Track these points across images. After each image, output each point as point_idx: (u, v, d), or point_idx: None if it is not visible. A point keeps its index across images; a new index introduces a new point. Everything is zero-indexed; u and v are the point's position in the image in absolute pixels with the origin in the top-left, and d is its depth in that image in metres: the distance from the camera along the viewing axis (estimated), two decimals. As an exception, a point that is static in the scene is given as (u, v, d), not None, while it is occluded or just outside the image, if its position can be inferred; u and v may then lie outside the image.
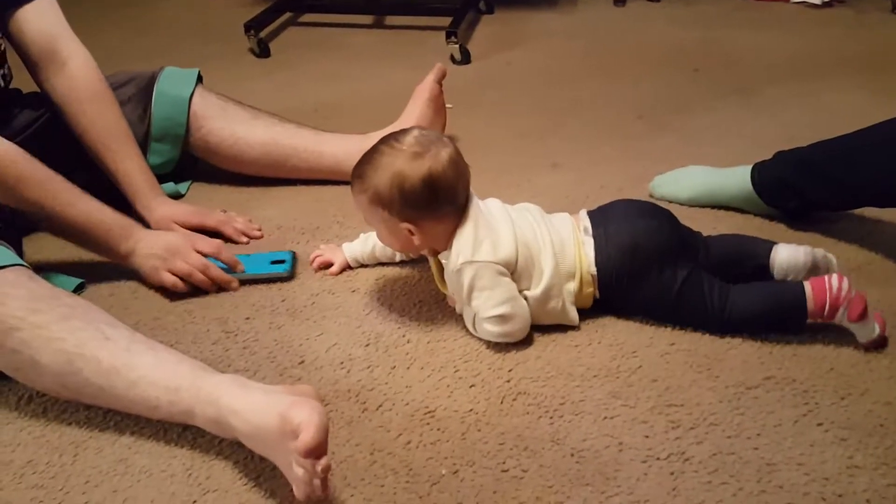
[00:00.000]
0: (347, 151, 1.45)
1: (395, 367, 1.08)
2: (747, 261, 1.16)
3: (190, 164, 1.55)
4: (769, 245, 1.17)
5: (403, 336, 1.14)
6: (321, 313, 1.19)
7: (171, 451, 0.97)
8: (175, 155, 1.51)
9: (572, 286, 1.12)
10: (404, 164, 1.07)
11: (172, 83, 1.50)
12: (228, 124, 1.50)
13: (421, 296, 1.22)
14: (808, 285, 1.07)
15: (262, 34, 2.30)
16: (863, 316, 1.05)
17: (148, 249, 1.23)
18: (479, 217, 1.10)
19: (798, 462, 0.92)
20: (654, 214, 1.15)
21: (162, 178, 1.47)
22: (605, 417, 0.99)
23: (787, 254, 1.15)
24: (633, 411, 1.00)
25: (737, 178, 1.35)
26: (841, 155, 1.22)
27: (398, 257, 1.28)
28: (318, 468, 0.81)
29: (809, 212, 1.32)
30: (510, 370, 1.07)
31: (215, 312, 1.21)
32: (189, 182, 1.57)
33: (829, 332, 1.11)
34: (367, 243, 1.28)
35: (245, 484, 0.92)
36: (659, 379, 1.05)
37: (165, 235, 1.28)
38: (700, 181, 1.41)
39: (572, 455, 0.94)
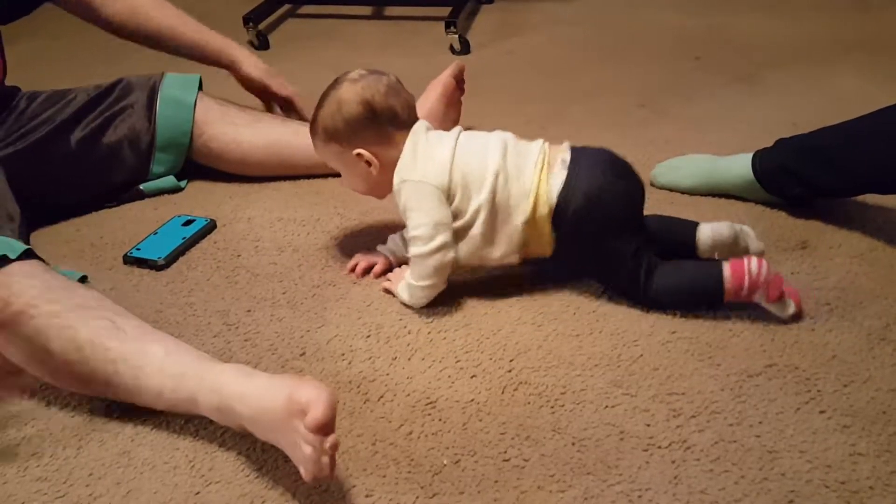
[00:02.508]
0: None
1: (396, 357, 1.08)
2: (671, 240, 1.19)
3: (190, 165, 1.55)
4: (693, 225, 1.19)
5: (404, 327, 1.14)
6: (322, 305, 1.19)
7: (173, 443, 0.97)
8: (178, 163, 1.51)
9: (525, 205, 1.10)
10: (342, 92, 1.14)
11: (175, 91, 1.50)
12: (231, 129, 1.49)
13: (422, 286, 1.22)
14: (726, 267, 1.09)
15: (261, 26, 2.29)
16: (780, 298, 1.08)
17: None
18: (419, 139, 1.14)
19: (800, 449, 0.92)
20: (628, 176, 1.15)
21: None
22: (607, 406, 0.99)
23: (711, 230, 1.17)
24: (634, 400, 1.00)
25: (738, 166, 1.35)
26: (843, 141, 1.21)
27: None
28: (327, 445, 0.81)
29: (811, 199, 1.32)
30: (511, 360, 1.07)
31: (216, 305, 1.21)
32: (186, 180, 1.56)
33: (831, 319, 1.11)
34: (396, 238, 1.26)
35: (248, 475, 0.92)
36: (660, 367, 1.04)
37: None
38: (701, 169, 1.41)
39: (573, 444, 0.94)
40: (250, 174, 1.53)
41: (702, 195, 1.40)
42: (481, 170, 1.11)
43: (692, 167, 1.42)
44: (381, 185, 1.17)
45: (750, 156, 1.34)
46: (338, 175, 1.23)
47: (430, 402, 1.01)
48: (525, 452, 0.93)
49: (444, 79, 1.55)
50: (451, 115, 1.57)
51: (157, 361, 0.96)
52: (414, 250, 1.13)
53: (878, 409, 0.97)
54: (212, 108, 1.50)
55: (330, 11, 2.49)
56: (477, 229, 1.12)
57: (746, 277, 1.07)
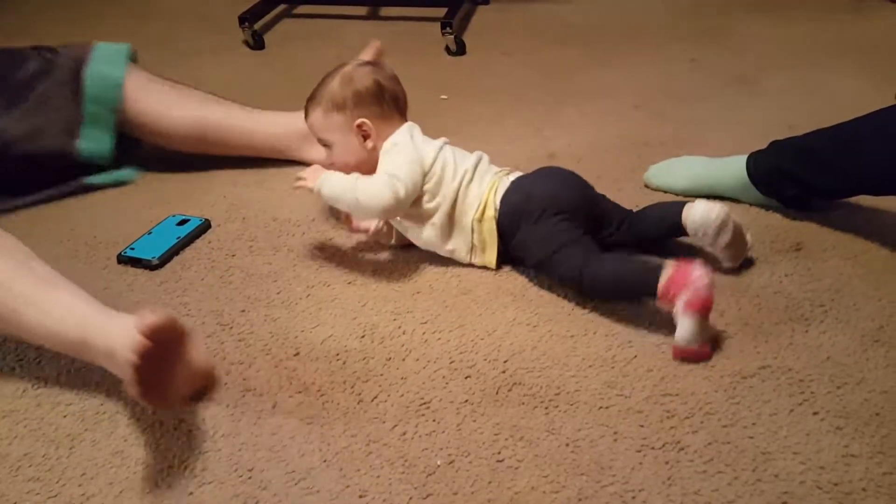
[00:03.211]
0: (278, 131, 1.52)
1: (390, 358, 1.08)
2: (660, 223, 1.22)
3: (131, 147, 1.55)
4: (681, 204, 1.19)
5: (399, 327, 1.14)
6: (316, 305, 1.19)
7: (166, 443, 0.97)
8: (109, 139, 1.49)
9: (476, 205, 1.21)
10: (351, 70, 1.24)
11: (105, 63, 1.49)
12: (158, 102, 1.51)
13: (416, 287, 1.22)
14: (672, 266, 1.05)
15: (257, 26, 2.29)
16: (694, 311, 1.02)
17: None
18: (413, 129, 1.25)
19: (794, 451, 0.92)
20: (565, 180, 1.23)
21: (101, 169, 1.50)
22: (601, 407, 0.99)
23: (702, 210, 1.15)
24: (628, 401, 1.00)
25: (732, 168, 1.35)
26: (837, 143, 1.21)
27: (394, 240, 1.31)
28: (135, 343, 0.84)
29: (805, 200, 1.32)
30: (505, 361, 1.07)
31: (210, 305, 1.20)
32: (136, 169, 1.56)
33: (825, 321, 1.11)
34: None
35: (240, 476, 0.92)
36: (654, 369, 1.04)
37: None
38: (695, 171, 1.41)
39: (567, 445, 0.94)
40: (179, 149, 1.55)
41: (696, 197, 1.40)
42: (454, 168, 1.22)
43: (687, 169, 1.42)
44: (369, 163, 1.23)
45: (744, 157, 1.34)
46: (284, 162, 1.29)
47: (425, 403, 1.01)
48: (519, 453, 0.93)
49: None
50: None
51: (61, 307, 0.97)
52: (380, 187, 1.17)
53: (871, 410, 0.97)
54: (141, 81, 1.51)
55: (325, 12, 2.49)
56: (437, 219, 1.22)
57: (687, 277, 1.02)
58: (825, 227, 1.30)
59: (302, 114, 1.48)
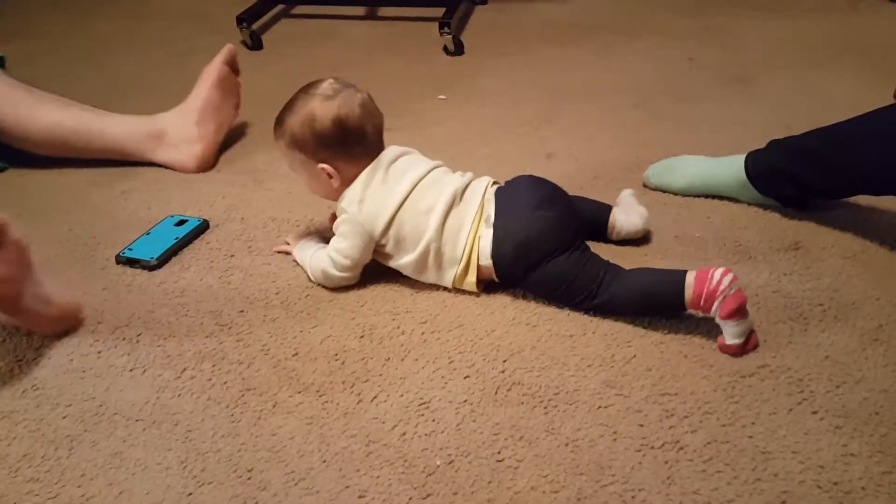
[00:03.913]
0: (127, 133, 1.56)
1: (389, 358, 1.08)
2: (588, 221, 1.25)
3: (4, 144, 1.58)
4: (607, 209, 1.27)
5: (398, 327, 1.14)
6: (315, 305, 1.19)
7: (166, 443, 0.97)
8: None
9: (453, 271, 1.17)
10: (316, 106, 1.15)
11: None
12: (13, 108, 1.53)
13: (415, 287, 1.22)
14: (690, 275, 1.06)
15: (255, 26, 2.29)
16: (732, 315, 1.03)
17: None
18: (377, 174, 1.17)
19: (793, 450, 0.92)
20: (553, 203, 1.16)
21: None
22: (600, 407, 0.99)
23: (625, 222, 1.26)
24: (627, 400, 1.00)
25: (730, 168, 1.35)
26: (835, 142, 1.22)
27: None
28: None
29: (803, 200, 1.32)
30: (504, 361, 1.07)
31: (209, 305, 1.20)
32: (4, 164, 1.60)
33: (824, 320, 1.11)
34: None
35: (240, 476, 0.92)
36: (653, 368, 1.05)
37: None
38: (694, 171, 1.41)
39: (567, 444, 0.94)
40: (39, 152, 1.57)
41: (695, 196, 1.41)
42: (418, 234, 1.16)
43: (685, 168, 1.42)
44: (338, 194, 1.20)
45: (743, 157, 1.34)
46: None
47: (424, 403, 1.01)
48: (519, 453, 0.93)
49: (215, 66, 1.57)
50: (228, 102, 1.62)
51: None
52: (327, 268, 1.20)
53: (870, 409, 0.97)
54: (2, 86, 1.54)
55: (323, 12, 2.49)
56: (409, 270, 1.20)
57: (706, 286, 1.04)
58: (824, 227, 1.30)
59: (152, 118, 1.57)
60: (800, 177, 1.26)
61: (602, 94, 1.87)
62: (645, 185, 1.45)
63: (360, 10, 2.50)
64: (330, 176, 1.18)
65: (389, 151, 1.20)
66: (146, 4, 2.69)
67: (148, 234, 1.36)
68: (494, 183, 1.22)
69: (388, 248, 1.18)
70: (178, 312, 1.19)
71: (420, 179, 1.18)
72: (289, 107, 1.18)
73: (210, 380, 1.06)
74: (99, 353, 1.12)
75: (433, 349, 1.09)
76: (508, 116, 1.78)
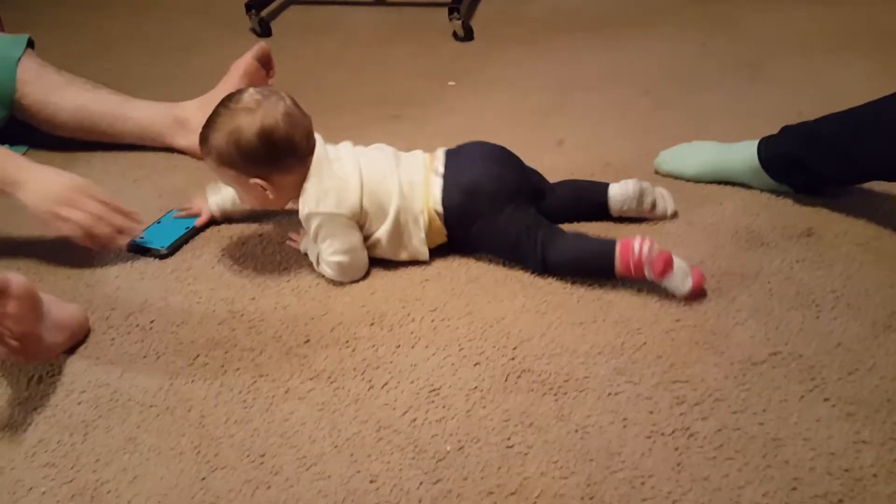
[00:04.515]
0: (151, 117, 1.58)
1: (399, 345, 1.09)
2: (586, 200, 1.28)
3: (24, 127, 1.61)
4: (604, 187, 1.28)
5: (408, 315, 1.14)
6: (326, 293, 1.20)
7: (179, 429, 0.98)
8: (2, 115, 1.57)
9: (421, 221, 1.19)
10: (239, 121, 1.12)
11: (2, 48, 1.56)
12: (42, 90, 1.56)
13: (424, 275, 1.22)
14: (618, 246, 1.13)
15: (263, 13, 2.28)
16: (664, 273, 1.11)
17: (42, 187, 1.18)
18: (324, 167, 1.17)
19: (804, 437, 0.92)
20: (501, 160, 1.22)
21: None
22: (610, 394, 0.99)
23: (618, 188, 1.27)
24: (637, 388, 1.00)
25: (743, 153, 1.34)
26: (848, 128, 1.21)
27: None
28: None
29: (816, 186, 1.31)
30: (514, 348, 1.07)
31: (221, 293, 1.21)
32: (24, 147, 1.63)
33: (836, 307, 1.10)
34: (228, 192, 1.32)
35: (252, 461, 0.93)
36: (664, 356, 1.04)
37: (60, 174, 1.22)
38: (706, 157, 1.40)
39: (577, 431, 0.94)
40: (62, 135, 1.60)
41: (707, 182, 1.40)
42: (387, 199, 1.18)
43: (697, 154, 1.42)
44: (277, 203, 1.21)
45: (755, 143, 1.33)
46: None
47: (434, 390, 1.01)
48: (528, 439, 0.94)
49: (245, 60, 1.56)
50: None
51: None
52: (335, 273, 1.20)
53: (882, 397, 0.96)
54: (31, 67, 1.57)
55: (333, -2, 2.48)
56: (384, 243, 1.20)
57: (631, 257, 1.12)
58: (837, 213, 1.29)
59: (176, 105, 1.59)
60: (813, 163, 1.25)
61: (612, 81, 1.86)
62: (657, 172, 1.44)
63: (369, -4, 2.49)
64: (264, 188, 1.16)
65: (320, 145, 1.19)
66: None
67: (158, 222, 1.36)
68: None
69: (367, 225, 1.19)
70: (191, 300, 1.20)
71: (357, 156, 1.20)
72: (210, 123, 1.15)
73: (223, 366, 1.07)
74: (112, 340, 1.13)
75: (443, 337, 1.10)
76: (518, 103, 1.77)
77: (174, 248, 1.31)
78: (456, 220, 1.18)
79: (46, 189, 1.18)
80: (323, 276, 1.23)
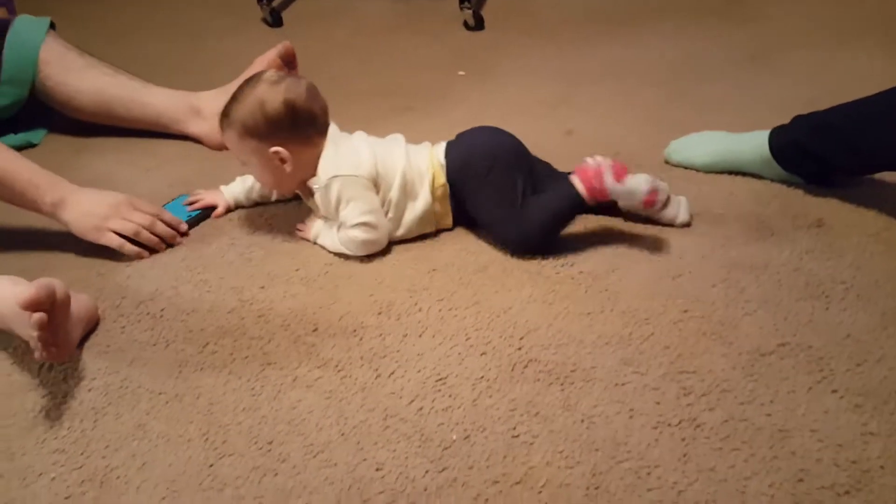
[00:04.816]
0: (167, 104, 1.60)
1: (406, 334, 1.09)
2: None
3: (42, 110, 1.63)
4: None
5: (415, 304, 1.14)
6: (334, 282, 1.20)
7: (187, 416, 0.99)
8: (22, 96, 1.59)
9: (427, 178, 1.23)
10: (264, 91, 1.19)
11: (25, 30, 1.59)
12: (63, 71, 1.59)
13: (432, 265, 1.22)
14: (575, 178, 1.18)
15: (275, 3, 2.28)
16: (621, 175, 1.15)
17: (86, 206, 1.23)
18: (339, 140, 1.24)
19: (811, 429, 0.91)
20: (501, 131, 1.26)
21: (8, 124, 1.62)
22: (617, 384, 0.99)
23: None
24: (644, 378, 1.00)
25: (754, 143, 1.33)
26: (860, 118, 1.19)
27: (274, 196, 1.38)
28: (33, 320, 0.93)
29: (827, 176, 1.30)
30: (521, 338, 1.07)
31: (231, 282, 1.22)
32: (43, 131, 1.67)
33: (846, 298, 1.10)
34: (246, 181, 1.37)
35: (260, 448, 0.94)
36: (671, 346, 1.04)
37: (103, 193, 1.27)
38: (717, 146, 1.39)
39: (583, 421, 0.94)
40: (80, 118, 1.63)
41: (717, 173, 1.39)
42: (393, 166, 1.22)
43: (707, 144, 1.41)
44: (289, 182, 1.26)
45: (766, 133, 1.32)
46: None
47: (441, 379, 1.01)
48: (534, 429, 0.94)
49: (268, 56, 1.56)
50: None
51: None
52: (364, 235, 1.21)
53: (890, 388, 0.96)
54: (54, 49, 1.59)
55: (344, -12, 2.47)
56: (395, 202, 1.23)
57: (589, 168, 1.16)
58: (847, 204, 1.28)
59: (192, 94, 1.60)
60: (824, 153, 1.24)
61: (623, 72, 1.85)
62: (667, 162, 1.44)
63: (381, -14, 2.48)
64: (283, 161, 1.21)
65: (334, 126, 1.25)
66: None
67: (172, 201, 1.38)
68: None
69: (380, 192, 1.22)
70: (201, 288, 1.21)
71: (365, 135, 1.27)
72: (234, 98, 1.21)
73: (231, 354, 1.08)
74: (123, 328, 1.14)
75: (450, 326, 1.10)
76: (528, 94, 1.76)
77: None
78: (456, 177, 1.23)
79: (88, 208, 1.23)
80: (331, 265, 1.23)
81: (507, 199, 1.20)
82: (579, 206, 1.19)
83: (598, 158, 1.17)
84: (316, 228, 1.27)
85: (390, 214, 1.23)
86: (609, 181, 1.15)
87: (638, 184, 1.16)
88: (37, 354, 0.98)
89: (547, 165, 1.31)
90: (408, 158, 1.23)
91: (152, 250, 1.27)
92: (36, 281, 0.96)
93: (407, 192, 1.23)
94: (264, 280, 1.22)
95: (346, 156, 1.22)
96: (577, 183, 1.17)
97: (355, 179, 1.20)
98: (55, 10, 2.41)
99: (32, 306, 0.93)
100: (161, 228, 1.28)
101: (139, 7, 2.48)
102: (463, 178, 1.23)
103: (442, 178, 1.23)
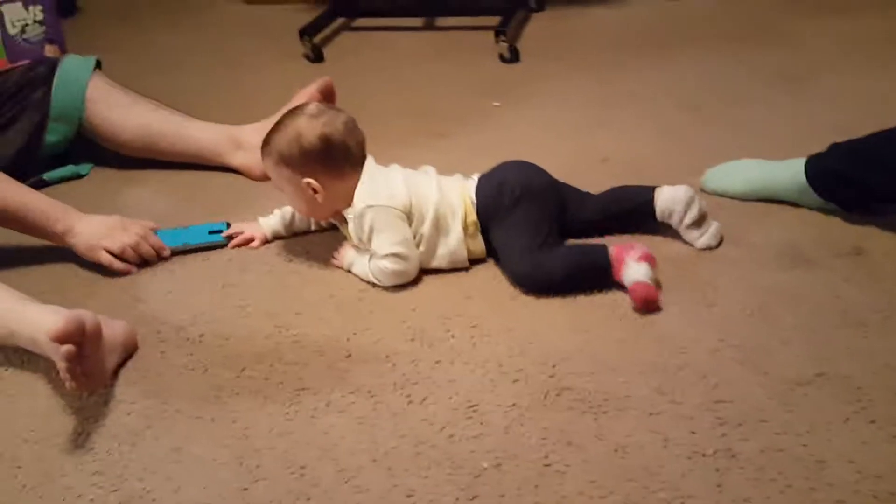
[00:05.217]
0: (210, 137, 1.65)
1: (439, 361, 1.10)
2: (627, 203, 1.29)
3: (89, 145, 1.69)
4: (651, 189, 1.28)
5: (447, 331, 1.15)
6: (368, 309, 1.22)
7: (223, 440, 1.00)
8: (70, 133, 1.66)
9: (459, 213, 1.25)
10: (303, 124, 1.23)
11: (72, 68, 1.65)
12: (108, 108, 1.65)
13: (465, 291, 1.23)
14: (612, 248, 1.18)
15: (316, 39, 2.34)
16: (645, 260, 1.15)
17: (87, 230, 1.33)
18: (375, 172, 1.26)
19: (849, 459, 0.90)
20: (530, 165, 1.29)
21: (59, 159, 1.67)
22: (651, 413, 0.98)
23: (668, 190, 1.26)
24: (679, 407, 0.99)
25: (790, 171, 1.32)
26: (897, 145, 1.18)
27: (313, 226, 1.41)
28: (62, 351, 0.96)
29: (865, 204, 1.29)
30: (554, 365, 1.07)
31: (268, 307, 1.24)
32: (90, 165, 1.72)
33: (884, 326, 1.08)
34: (286, 213, 1.40)
35: (292, 472, 0.95)
36: (707, 375, 1.03)
37: (101, 217, 1.36)
38: (752, 174, 1.38)
39: (616, 451, 0.94)
40: (125, 153, 1.68)
41: (753, 201, 1.38)
42: (427, 200, 1.24)
43: (743, 172, 1.40)
44: (323, 211, 1.30)
45: (802, 160, 1.31)
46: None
47: (472, 406, 1.02)
48: (566, 458, 0.93)
49: (309, 91, 1.58)
50: None
51: None
52: (394, 266, 1.23)
53: (931, 419, 0.94)
54: (100, 87, 1.65)
55: (383, 24, 2.53)
56: (427, 237, 1.24)
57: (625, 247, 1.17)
58: (886, 231, 1.26)
59: (235, 127, 1.65)
60: (861, 180, 1.23)
61: (657, 98, 1.85)
62: (702, 190, 1.43)
63: (418, 22, 2.54)
64: (315, 191, 1.24)
65: (370, 160, 1.28)
66: (207, 17, 2.79)
67: (185, 228, 1.42)
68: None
69: (413, 224, 1.24)
70: (238, 314, 1.23)
71: (400, 169, 1.29)
72: (275, 128, 1.26)
73: (267, 379, 1.09)
74: (162, 352, 1.16)
75: (482, 353, 1.10)
76: (563, 121, 1.78)
77: (176, 252, 1.37)
78: (484, 211, 1.24)
79: (89, 231, 1.33)
80: (365, 292, 1.25)
81: (527, 233, 1.21)
82: (603, 270, 1.18)
83: (644, 248, 1.17)
84: (350, 257, 1.29)
85: (422, 248, 1.25)
86: (629, 260, 1.16)
87: (635, 272, 1.15)
88: (67, 385, 1.01)
89: (569, 187, 1.32)
90: (441, 193, 1.25)
91: (142, 265, 1.35)
92: (66, 312, 0.99)
93: (439, 228, 1.24)
94: (300, 306, 1.24)
95: (381, 186, 1.24)
96: (612, 253, 1.18)
97: (388, 210, 1.22)
98: (99, 43, 2.51)
99: (62, 338, 0.96)
100: (145, 248, 1.34)
101: (184, 40, 2.56)
102: (490, 213, 1.24)
103: (473, 216, 1.25)
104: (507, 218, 1.22)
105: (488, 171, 1.29)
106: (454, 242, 1.25)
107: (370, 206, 1.22)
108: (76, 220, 1.33)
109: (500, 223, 1.23)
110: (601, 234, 1.30)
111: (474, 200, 1.25)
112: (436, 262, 1.26)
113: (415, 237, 1.24)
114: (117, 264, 1.33)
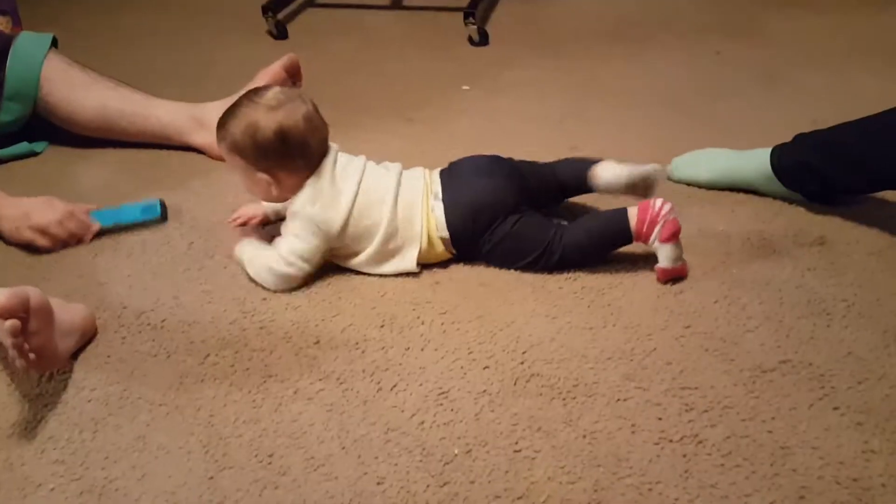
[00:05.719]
0: (171, 116, 1.61)
1: (409, 348, 1.09)
2: (574, 181, 1.27)
3: (44, 124, 1.64)
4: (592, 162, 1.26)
5: (418, 318, 1.14)
6: (337, 295, 1.20)
7: (188, 428, 0.98)
8: (25, 112, 1.60)
9: (418, 243, 1.20)
10: (259, 116, 1.15)
11: (27, 46, 1.60)
12: (66, 87, 1.59)
13: (435, 278, 1.22)
14: (632, 209, 1.17)
15: (280, 16, 2.30)
16: (670, 239, 1.15)
17: (11, 212, 1.31)
18: (326, 174, 1.19)
19: (813, 446, 0.91)
20: (494, 172, 1.22)
21: (13, 137, 1.61)
22: (619, 400, 0.99)
23: (611, 173, 1.23)
24: (646, 394, 1.00)
25: (756, 161, 1.34)
26: (862, 138, 1.20)
27: None
28: (6, 326, 0.93)
29: (830, 195, 1.31)
30: (524, 352, 1.07)
31: (233, 293, 1.22)
32: (45, 143, 1.67)
33: (847, 315, 1.10)
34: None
35: (260, 461, 0.93)
36: (673, 362, 1.04)
37: (28, 198, 1.33)
38: (719, 164, 1.40)
39: (585, 436, 0.94)
40: (82, 133, 1.63)
41: (719, 189, 1.39)
42: (375, 224, 1.19)
43: (710, 161, 1.41)
44: (280, 199, 1.23)
45: (768, 150, 1.33)
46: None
47: (443, 393, 1.01)
48: (536, 444, 0.94)
49: (273, 68, 1.56)
50: None
51: None
52: (286, 270, 1.19)
53: (892, 406, 0.96)
54: (56, 65, 1.60)
55: (349, 2, 2.49)
56: (364, 262, 1.21)
57: (651, 210, 1.15)
58: (849, 222, 1.29)
59: (196, 105, 1.60)
60: (826, 171, 1.25)
61: (628, 88, 1.85)
62: (669, 178, 1.44)
63: (385, 0, 2.50)
64: (269, 184, 1.19)
65: (332, 152, 1.21)
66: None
67: (118, 207, 1.39)
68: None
69: (348, 246, 1.20)
70: (203, 300, 1.21)
71: (363, 174, 1.21)
72: (231, 112, 1.19)
73: (232, 366, 1.08)
74: (123, 338, 1.14)
75: (453, 340, 1.10)
76: (532, 109, 1.77)
77: (107, 230, 1.35)
78: (464, 241, 1.20)
79: (16, 213, 1.31)
80: (334, 277, 1.23)
81: (525, 249, 1.19)
82: (624, 235, 1.17)
83: (665, 206, 1.15)
84: (241, 246, 1.25)
85: (360, 266, 1.22)
86: (654, 236, 1.15)
87: (665, 256, 1.16)
88: (17, 363, 0.98)
89: (532, 164, 1.29)
90: (394, 222, 1.19)
91: (66, 243, 1.32)
92: (9, 288, 0.96)
93: (385, 253, 1.21)
94: (266, 292, 1.22)
95: (325, 198, 1.18)
96: (635, 212, 1.16)
97: (314, 224, 1.17)
98: (61, 20, 2.43)
99: (4, 313, 0.94)
100: (71, 224, 1.31)
101: (144, 17, 2.49)
102: (469, 237, 1.20)
103: (441, 248, 1.21)
104: (493, 242, 1.19)
105: (449, 187, 1.21)
106: (406, 263, 1.21)
107: (303, 212, 1.18)
108: (2, 204, 1.30)
109: (488, 247, 1.20)
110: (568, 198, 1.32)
111: (446, 237, 1.20)
112: (381, 271, 1.22)
113: (351, 256, 1.21)
114: (41, 240, 1.30)
